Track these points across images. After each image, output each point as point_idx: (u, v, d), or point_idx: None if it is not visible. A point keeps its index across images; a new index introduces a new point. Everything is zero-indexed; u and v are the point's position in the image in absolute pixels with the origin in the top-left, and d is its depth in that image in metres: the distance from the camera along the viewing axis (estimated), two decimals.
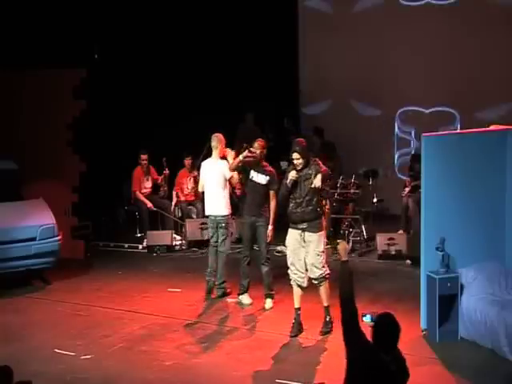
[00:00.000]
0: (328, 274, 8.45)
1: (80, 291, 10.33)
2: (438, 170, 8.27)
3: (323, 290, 8.48)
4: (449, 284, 8.10)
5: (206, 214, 9.95)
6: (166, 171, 13.09)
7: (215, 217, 9.74)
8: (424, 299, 8.34)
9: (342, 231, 12.23)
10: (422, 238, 8.37)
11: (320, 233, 8.40)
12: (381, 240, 11.59)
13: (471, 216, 8.33)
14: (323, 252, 8.40)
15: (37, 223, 10.56)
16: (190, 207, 13.18)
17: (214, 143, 9.83)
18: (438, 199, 8.27)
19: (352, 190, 12.34)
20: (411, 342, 7.95)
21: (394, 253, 11.48)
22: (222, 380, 7.39)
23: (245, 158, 9.26)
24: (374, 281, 10.49)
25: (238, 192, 13.54)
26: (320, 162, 8.49)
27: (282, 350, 8.09)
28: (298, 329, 8.51)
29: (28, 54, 12.56)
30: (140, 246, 12.70)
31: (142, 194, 13.06)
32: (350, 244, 12.01)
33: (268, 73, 15.07)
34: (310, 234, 8.39)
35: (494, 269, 8.31)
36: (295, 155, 8.28)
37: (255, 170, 9.30)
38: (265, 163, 9.40)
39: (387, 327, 4.87)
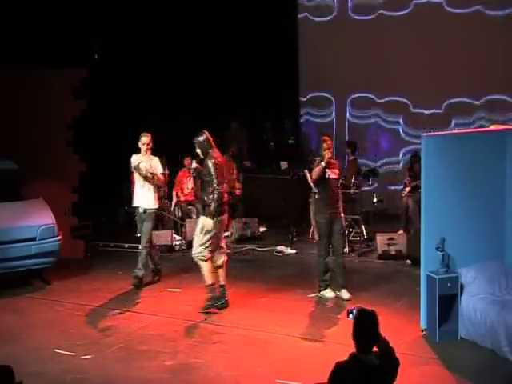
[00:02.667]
0: (202, 256, 9.21)
1: (80, 291, 10.33)
2: (437, 170, 8.26)
3: (201, 268, 9.29)
4: (449, 284, 8.09)
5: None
6: (166, 171, 13.08)
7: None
8: (424, 299, 8.34)
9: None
10: (422, 238, 8.37)
11: (202, 217, 9.28)
12: (381, 240, 11.58)
13: (471, 216, 8.33)
14: (201, 234, 9.18)
15: (37, 223, 10.55)
16: (189, 207, 13.19)
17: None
18: (438, 199, 8.27)
19: (352, 191, 12.34)
20: (411, 341, 7.96)
21: (393, 253, 11.48)
22: (222, 380, 7.38)
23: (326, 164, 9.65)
24: (374, 281, 10.49)
25: (237, 192, 13.58)
26: (216, 156, 9.21)
27: (281, 349, 8.08)
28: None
29: (28, 54, 12.56)
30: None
31: None
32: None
33: (268, 74, 15.09)
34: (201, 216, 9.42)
35: (494, 269, 8.30)
36: (195, 145, 9.30)
37: (328, 168, 9.66)
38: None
39: (363, 327, 4.96)
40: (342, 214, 9.87)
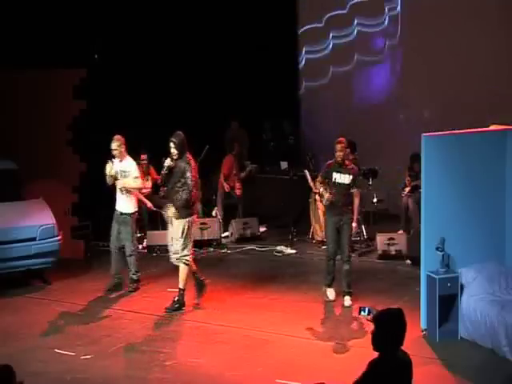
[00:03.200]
0: (186, 260, 9.35)
1: (80, 291, 10.33)
2: (437, 170, 8.27)
3: (180, 270, 9.38)
4: (449, 284, 8.09)
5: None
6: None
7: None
8: (424, 299, 8.34)
9: None
10: (422, 238, 8.37)
11: (179, 220, 9.25)
12: (381, 240, 11.58)
13: (471, 216, 8.33)
14: (182, 238, 9.25)
15: (37, 223, 10.55)
16: None
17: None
18: (438, 199, 8.27)
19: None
20: (411, 341, 7.89)
21: (393, 253, 11.48)
22: (222, 380, 7.38)
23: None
24: (374, 281, 10.49)
25: (237, 192, 13.59)
26: (190, 158, 9.29)
27: (281, 350, 8.09)
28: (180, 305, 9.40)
29: (28, 54, 12.55)
30: (140, 246, 12.67)
31: (142, 194, 13.04)
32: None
33: (268, 74, 15.08)
34: (174, 220, 9.33)
35: (494, 269, 8.30)
36: (171, 145, 9.23)
37: (337, 172, 9.41)
38: (347, 162, 9.55)
39: (401, 323, 5.01)
40: (354, 224, 9.48)
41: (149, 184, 13.22)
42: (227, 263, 11.82)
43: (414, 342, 7.91)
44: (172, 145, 9.29)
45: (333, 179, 9.44)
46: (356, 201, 9.51)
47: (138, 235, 13.05)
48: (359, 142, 12.95)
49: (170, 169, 9.36)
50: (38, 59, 12.42)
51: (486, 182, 8.41)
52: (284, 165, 14.51)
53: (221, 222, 13.01)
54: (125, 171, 10.20)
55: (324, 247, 12.27)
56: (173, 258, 9.52)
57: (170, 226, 9.56)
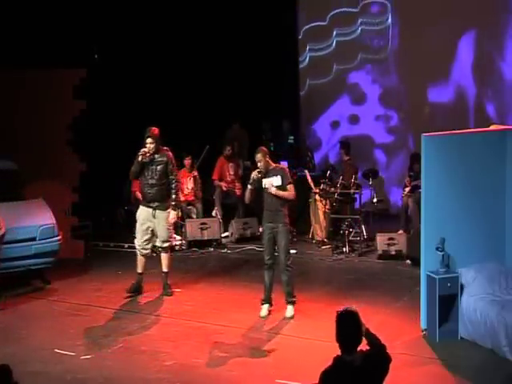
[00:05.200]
0: (172, 245, 10.35)
1: (80, 291, 10.33)
2: (437, 170, 8.26)
3: (166, 256, 10.00)
4: (449, 284, 8.09)
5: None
6: None
7: None
8: (424, 299, 8.34)
9: (341, 231, 12.23)
10: (422, 238, 8.37)
11: (167, 210, 9.80)
12: (381, 240, 11.58)
13: (471, 216, 8.33)
14: (171, 226, 9.99)
15: (37, 223, 10.54)
16: (189, 207, 13.20)
17: None
18: (438, 199, 8.26)
19: (352, 190, 12.33)
20: (411, 341, 7.97)
21: (393, 253, 11.48)
22: (221, 380, 7.37)
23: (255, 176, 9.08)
24: (374, 281, 10.50)
25: (237, 192, 13.60)
26: (170, 152, 9.85)
27: (281, 350, 8.08)
28: (136, 288, 9.98)
29: (28, 54, 12.57)
30: None
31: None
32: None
33: (268, 74, 15.09)
34: (161, 211, 9.77)
35: (494, 269, 8.30)
36: (149, 140, 9.69)
37: (266, 177, 8.99)
38: (273, 165, 9.10)
39: (343, 328, 4.97)
40: (282, 228, 8.84)
41: None
42: (227, 263, 11.82)
43: (414, 342, 7.95)
44: (149, 140, 9.76)
45: (263, 185, 8.97)
46: (291, 193, 8.95)
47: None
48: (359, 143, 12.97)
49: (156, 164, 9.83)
50: (38, 59, 12.43)
51: (486, 182, 8.40)
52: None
53: (221, 222, 13.02)
54: None
55: (324, 247, 12.35)
56: (164, 245, 9.98)
57: (147, 222, 9.94)
